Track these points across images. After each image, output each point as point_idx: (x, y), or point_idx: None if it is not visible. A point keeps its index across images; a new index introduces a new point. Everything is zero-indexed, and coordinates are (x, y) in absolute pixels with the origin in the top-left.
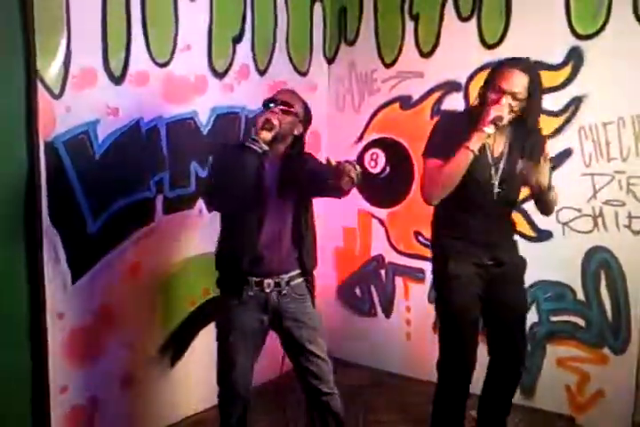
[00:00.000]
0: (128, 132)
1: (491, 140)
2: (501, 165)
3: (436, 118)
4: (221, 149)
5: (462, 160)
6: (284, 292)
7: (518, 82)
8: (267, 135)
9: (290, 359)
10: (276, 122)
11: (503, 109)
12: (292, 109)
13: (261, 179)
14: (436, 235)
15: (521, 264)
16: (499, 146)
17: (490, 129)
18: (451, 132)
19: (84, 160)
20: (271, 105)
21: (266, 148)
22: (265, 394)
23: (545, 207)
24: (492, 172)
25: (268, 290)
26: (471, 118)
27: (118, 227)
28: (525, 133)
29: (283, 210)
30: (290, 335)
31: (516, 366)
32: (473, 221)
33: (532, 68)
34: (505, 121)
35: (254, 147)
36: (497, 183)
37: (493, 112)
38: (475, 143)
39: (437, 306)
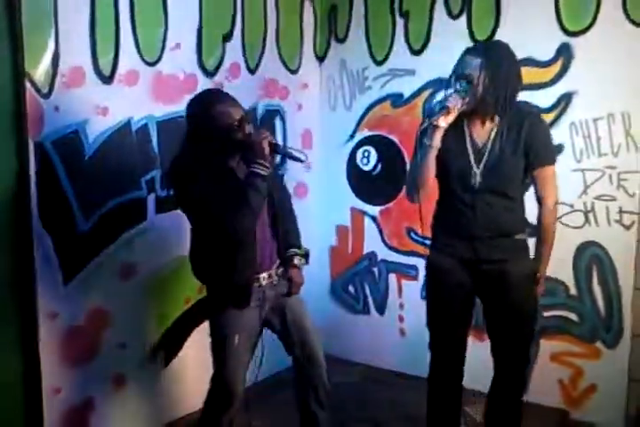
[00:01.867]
0: (118, 132)
1: (470, 128)
2: (486, 152)
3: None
4: (200, 180)
5: (422, 156)
6: (274, 282)
7: (467, 64)
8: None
9: (284, 343)
10: (273, 140)
11: (451, 100)
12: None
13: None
14: (431, 225)
15: (526, 265)
16: (484, 133)
17: (441, 122)
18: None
19: (73, 160)
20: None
21: (270, 169)
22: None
23: None
24: (472, 159)
25: (264, 283)
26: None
27: (110, 227)
28: (517, 118)
29: (266, 213)
30: (284, 315)
31: (513, 373)
32: (457, 213)
33: (487, 49)
34: (456, 110)
35: (263, 172)
36: (479, 172)
37: (439, 104)
38: (430, 137)
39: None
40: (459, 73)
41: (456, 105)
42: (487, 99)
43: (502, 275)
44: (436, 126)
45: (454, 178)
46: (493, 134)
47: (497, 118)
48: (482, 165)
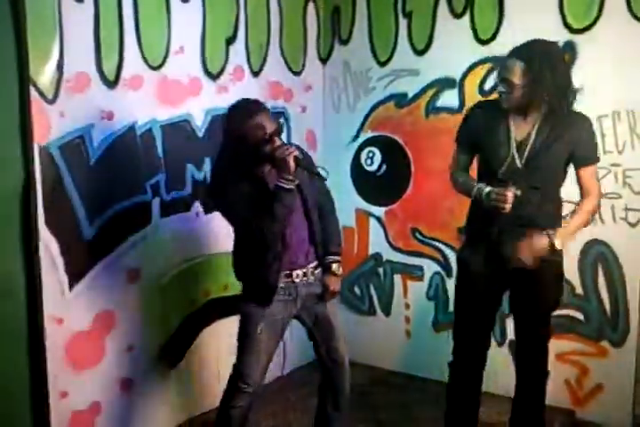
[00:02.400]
0: (123, 136)
1: (513, 122)
2: (528, 146)
3: (432, 116)
4: (229, 192)
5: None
6: (309, 280)
7: (508, 68)
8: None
9: (314, 340)
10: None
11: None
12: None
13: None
14: (467, 219)
15: (555, 261)
16: (525, 128)
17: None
18: (476, 120)
19: (79, 165)
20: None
21: (297, 182)
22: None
23: None
24: (515, 152)
25: (297, 280)
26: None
27: (115, 231)
28: (564, 117)
29: (299, 213)
30: (315, 316)
31: (533, 369)
32: (491, 212)
33: (530, 52)
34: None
35: (288, 186)
36: (519, 165)
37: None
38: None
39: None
40: (500, 75)
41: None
42: (529, 100)
43: (533, 272)
44: None
45: (493, 169)
46: (535, 130)
47: (540, 115)
48: (523, 159)
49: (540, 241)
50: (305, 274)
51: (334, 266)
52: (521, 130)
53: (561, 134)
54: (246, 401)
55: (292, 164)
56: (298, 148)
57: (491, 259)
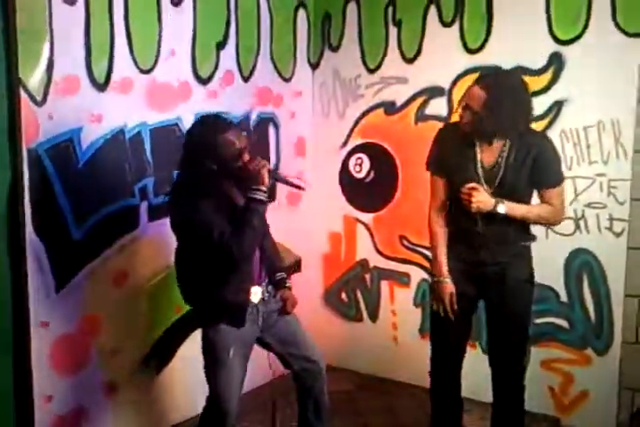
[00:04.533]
0: (112, 140)
1: (480, 148)
2: (497, 172)
3: (420, 124)
4: (196, 207)
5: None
6: (265, 298)
7: (472, 96)
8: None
9: (278, 356)
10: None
11: None
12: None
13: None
14: None
15: (525, 269)
16: (492, 154)
17: None
18: (444, 146)
19: (67, 167)
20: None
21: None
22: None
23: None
24: (482, 178)
25: (255, 300)
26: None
27: (102, 234)
28: (526, 141)
29: None
30: (278, 334)
31: (512, 377)
32: (466, 231)
33: (494, 84)
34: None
35: (263, 197)
36: (487, 189)
37: None
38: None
39: None
40: (465, 103)
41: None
42: (489, 128)
43: (503, 277)
44: None
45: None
46: (504, 155)
47: (506, 142)
48: (493, 188)
49: (489, 198)
50: (262, 292)
51: (287, 282)
52: (487, 156)
53: (524, 159)
54: (228, 423)
55: (265, 175)
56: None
57: (466, 264)
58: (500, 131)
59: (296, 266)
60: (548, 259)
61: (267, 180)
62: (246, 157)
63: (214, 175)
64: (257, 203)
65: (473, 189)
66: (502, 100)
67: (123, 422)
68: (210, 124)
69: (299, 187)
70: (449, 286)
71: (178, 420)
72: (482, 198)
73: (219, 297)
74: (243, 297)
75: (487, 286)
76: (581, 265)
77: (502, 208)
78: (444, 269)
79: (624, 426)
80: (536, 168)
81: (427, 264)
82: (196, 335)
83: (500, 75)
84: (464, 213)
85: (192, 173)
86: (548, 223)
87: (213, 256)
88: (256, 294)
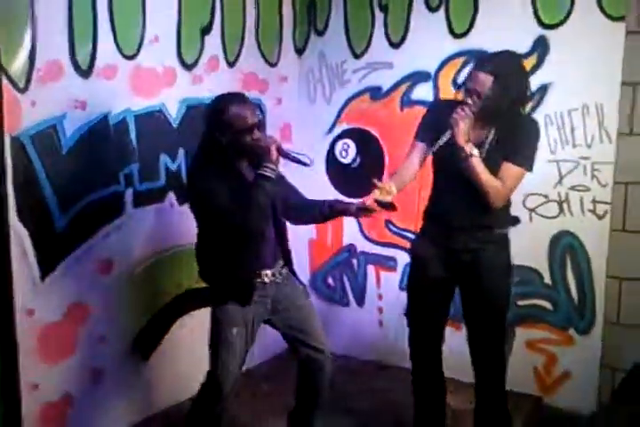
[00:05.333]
0: (96, 126)
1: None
2: (482, 152)
3: (406, 109)
4: (208, 182)
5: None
6: (277, 280)
7: (478, 80)
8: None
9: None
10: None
11: (460, 113)
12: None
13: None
14: (422, 214)
15: (501, 257)
16: (479, 134)
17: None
18: (433, 117)
19: (51, 154)
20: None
21: (277, 172)
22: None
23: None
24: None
25: (267, 280)
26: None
27: (88, 221)
28: (506, 132)
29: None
30: (287, 319)
31: (490, 360)
32: (443, 205)
33: (498, 66)
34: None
35: (271, 175)
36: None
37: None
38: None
39: None
40: (470, 87)
41: (465, 117)
42: (495, 111)
43: (477, 264)
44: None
45: (445, 172)
46: (490, 137)
47: (495, 121)
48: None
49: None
50: (274, 274)
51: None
52: (475, 134)
53: (505, 140)
54: (221, 407)
55: (274, 152)
56: None
57: (440, 248)
58: (502, 114)
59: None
60: (531, 241)
61: (274, 156)
62: (257, 133)
63: (225, 150)
64: (265, 179)
65: (465, 107)
66: (509, 84)
67: (111, 409)
68: (225, 98)
69: (305, 164)
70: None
71: (165, 406)
72: (465, 127)
73: (228, 274)
74: (250, 275)
75: (461, 273)
76: (565, 247)
77: (475, 151)
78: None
79: (605, 405)
80: (510, 144)
81: None
82: (185, 321)
83: (503, 55)
84: (444, 190)
85: (205, 147)
86: (486, 198)
87: (223, 233)
88: (267, 275)
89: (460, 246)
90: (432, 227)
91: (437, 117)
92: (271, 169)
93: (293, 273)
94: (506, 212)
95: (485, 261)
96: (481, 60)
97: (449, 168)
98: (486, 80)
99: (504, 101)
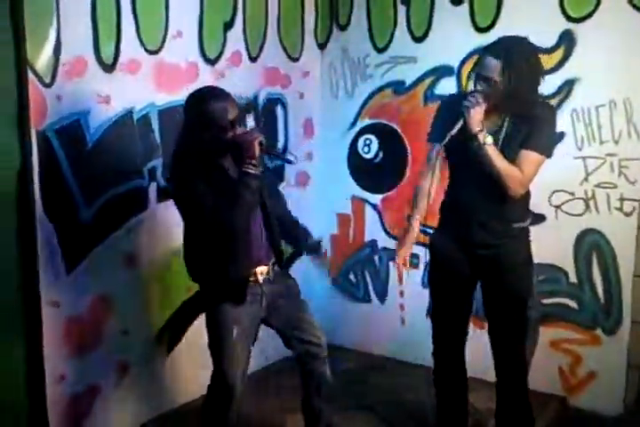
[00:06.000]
0: (120, 121)
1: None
2: (498, 140)
3: (430, 103)
4: (192, 180)
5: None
6: (270, 278)
7: (487, 66)
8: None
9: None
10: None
11: (471, 100)
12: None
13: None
14: (440, 208)
15: (521, 252)
16: (494, 123)
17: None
18: (444, 114)
19: (76, 149)
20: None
21: (262, 169)
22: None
23: None
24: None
25: (260, 278)
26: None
27: (112, 215)
28: (522, 119)
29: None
30: (283, 315)
31: (511, 357)
32: (461, 195)
33: (507, 50)
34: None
35: (254, 171)
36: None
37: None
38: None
39: None
40: (479, 74)
41: (477, 104)
42: (507, 98)
43: (497, 260)
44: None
45: (461, 165)
46: (506, 125)
47: (510, 108)
48: None
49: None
50: (267, 272)
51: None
52: (489, 123)
53: (521, 127)
54: (232, 408)
55: (256, 148)
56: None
57: (459, 243)
58: (515, 100)
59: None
60: (557, 239)
61: (257, 152)
62: (239, 129)
63: (207, 146)
64: (249, 177)
65: (476, 94)
66: (519, 68)
67: (135, 401)
68: (203, 92)
69: (289, 161)
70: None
71: (189, 398)
72: (477, 115)
73: (218, 274)
74: (242, 273)
75: (482, 269)
76: (591, 245)
77: (489, 139)
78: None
79: (631, 406)
80: (525, 131)
81: None
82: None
83: (508, 39)
84: (460, 183)
85: (185, 144)
86: (504, 186)
87: (209, 231)
88: (261, 273)
89: (478, 240)
90: (450, 221)
91: (448, 112)
92: (253, 165)
93: (287, 270)
94: (525, 205)
95: (505, 256)
96: (488, 45)
97: (464, 160)
98: (495, 65)
99: (516, 87)
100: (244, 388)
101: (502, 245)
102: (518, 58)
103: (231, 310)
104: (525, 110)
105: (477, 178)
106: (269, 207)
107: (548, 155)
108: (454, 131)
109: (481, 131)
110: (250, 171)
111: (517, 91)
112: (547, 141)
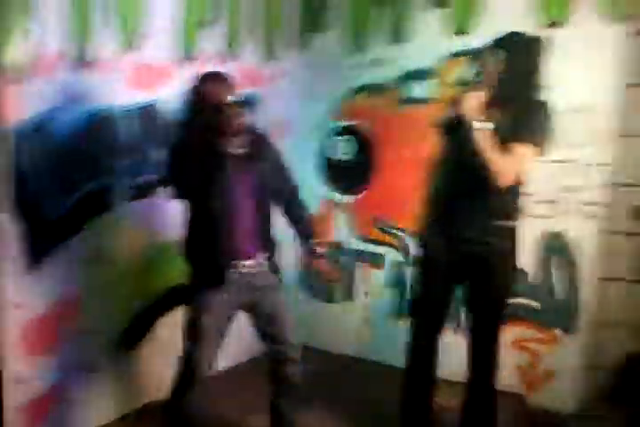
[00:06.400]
0: (93, 118)
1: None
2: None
3: (405, 106)
4: (181, 153)
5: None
6: (252, 271)
7: (490, 58)
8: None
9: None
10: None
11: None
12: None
13: (234, 179)
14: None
15: (512, 257)
16: (488, 118)
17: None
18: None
19: (47, 146)
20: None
21: (242, 150)
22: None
23: None
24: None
25: (243, 271)
26: None
27: (80, 213)
28: (518, 112)
29: (250, 200)
30: (258, 308)
31: (488, 355)
32: (449, 190)
33: (510, 43)
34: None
35: (235, 152)
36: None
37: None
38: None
39: None
40: (479, 67)
41: (475, 96)
42: (506, 90)
43: (487, 262)
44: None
45: (452, 156)
46: (502, 119)
47: (505, 104)
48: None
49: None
50: (252, 265)
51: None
52: (486, 116)
53: (519, 119)
54: (196, 391)
55: (235, 128)
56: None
57: (447, 239)
58: (513, 95)
59: None
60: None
61: (240, 132)
62: (227, 111)
63: (196, 125)
64: (228, 156)
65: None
66: (519, 64)
67: (100, 401)
68: (204, 74)
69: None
70: None
71: (154, 397)
72: (474, 104)
73: (199, 257)
74: (219, 259)
75: (469, 266)
76: (552, 247)
77: (481, 124)
78: None
79: (586, 404)
80: (520, 126)
81: (400, 246)
82: (170, 317)
83: (517, 35)
84: (450, 178)
85: (184, 124)
86: (493, 176)
87: (197, 214)
88: (243, 265)
89: (466, 236)
90: (439, 217)
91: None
92: (235, 145)
93: (276, 266)
94: (512, 202)
95: (497, 259)
96: (496, 38)
97: (456, 150)
98: (495, 60)
99: (514, 82)
100: (208, 376)
101: (491, 245)
102: (519, 55)
103: (208, 297)
104: (523, 106)
105: (468, 172)
106: (264, 201)
107: (540, 149)
108: (447, 115)
109: (475, 116)
110: (229, 151)
111: (517, 86)
112: (538, 136)
